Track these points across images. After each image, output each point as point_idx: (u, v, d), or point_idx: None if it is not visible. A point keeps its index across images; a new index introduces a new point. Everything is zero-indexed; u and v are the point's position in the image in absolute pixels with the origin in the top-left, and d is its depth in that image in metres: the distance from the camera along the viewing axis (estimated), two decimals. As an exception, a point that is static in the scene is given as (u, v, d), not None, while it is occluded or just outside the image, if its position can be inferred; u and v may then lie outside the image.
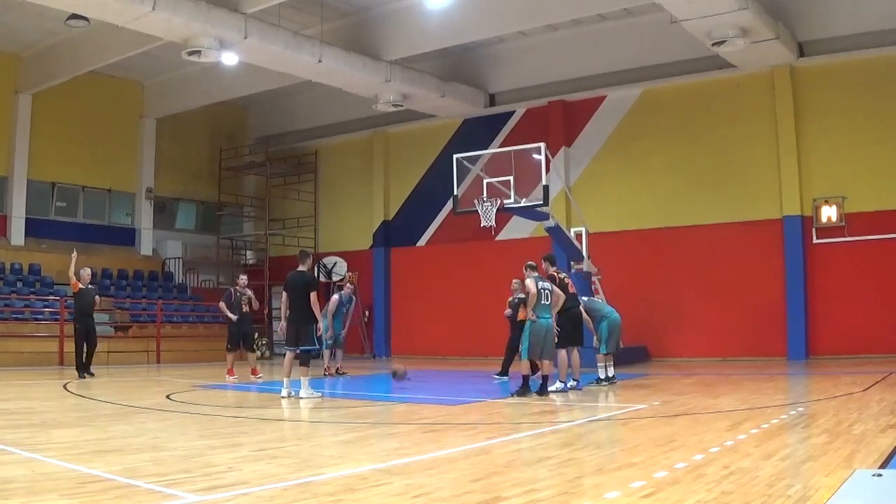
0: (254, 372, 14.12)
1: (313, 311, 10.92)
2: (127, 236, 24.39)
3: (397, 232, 24.24)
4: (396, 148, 24.51)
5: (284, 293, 11.41)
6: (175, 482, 4.95)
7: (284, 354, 11.41)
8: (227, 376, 13.88)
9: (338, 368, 15.35)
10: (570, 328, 11.21)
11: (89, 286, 15.36)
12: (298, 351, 10.96)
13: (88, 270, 15.81)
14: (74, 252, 15.64)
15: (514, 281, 13.33)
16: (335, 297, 15.16)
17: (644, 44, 19.42)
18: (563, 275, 11.64)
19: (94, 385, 13.26)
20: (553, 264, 11.56)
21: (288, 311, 11.24)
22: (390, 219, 24.44)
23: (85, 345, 15.03)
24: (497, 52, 21.70)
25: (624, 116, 20.60)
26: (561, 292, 10.92)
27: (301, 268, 11.18)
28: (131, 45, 18.31)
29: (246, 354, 14.33)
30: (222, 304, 14.37)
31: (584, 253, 16.92)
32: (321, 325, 12.13)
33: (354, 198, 25.09)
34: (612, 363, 12.29)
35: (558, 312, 10.87)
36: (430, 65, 21.11)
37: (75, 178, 23.01)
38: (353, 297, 15.90)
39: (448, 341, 22.50)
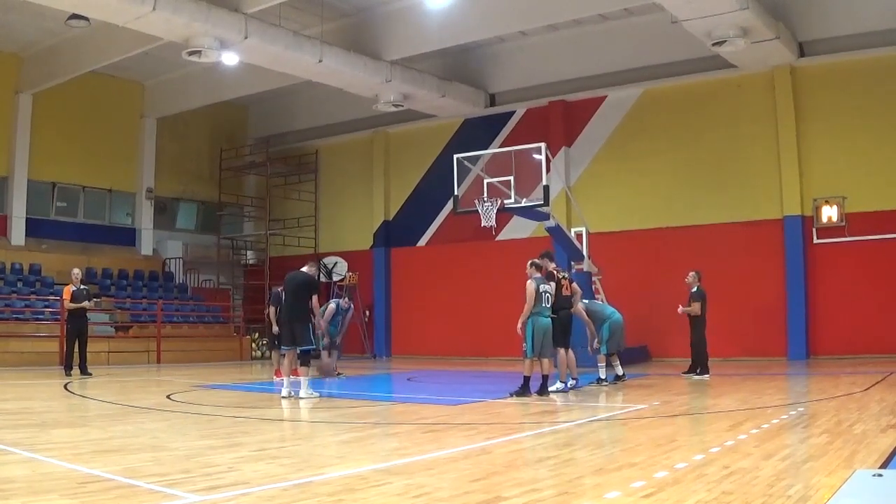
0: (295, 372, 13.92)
1: (308, 312, 10.91)
2: (127, 236, 24.38)
3: (398, 232, 24.23)
4: (397, 148, 24.49)
5: (283, 293, 11.43)
6: (175, 482, 4.95)
7: (283, 354, 11.43)
8: (274, 377, 13.64)
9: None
10: (560, 330, 11.01)
11: (81, 287, 15.28)
12: (298, 351, 10.96)
13: (78, 270, 15.69)
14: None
15: (690, 274, 13.92)
16: (332, 305, 15.12)
17: (644, 44, 19.41)
18: (562, 274, 11.57)
19: (95, 385, 13.25)
20: (552, 260, 11.53)
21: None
22: (391, 219, 24.43)
23: (77, 344, 15.06)
24: (497, 52, 21.69)
25: (624, 116, 20.58)
26: (576, 286, 11.47)
27: (304, 269, 11.20)
28: (131, 45, 18.29)
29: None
30: (271, 309, 13.64)
31: (585, 253, 16.92)
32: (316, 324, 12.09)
33: (355, 198, 25.08)
34: (618, 362, 12.32)
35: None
36: (430, 65, 21.10)
37: (75, 178, 22.99)
38: (351, 307, 15.95)
39: (448, 341, 22.49)
